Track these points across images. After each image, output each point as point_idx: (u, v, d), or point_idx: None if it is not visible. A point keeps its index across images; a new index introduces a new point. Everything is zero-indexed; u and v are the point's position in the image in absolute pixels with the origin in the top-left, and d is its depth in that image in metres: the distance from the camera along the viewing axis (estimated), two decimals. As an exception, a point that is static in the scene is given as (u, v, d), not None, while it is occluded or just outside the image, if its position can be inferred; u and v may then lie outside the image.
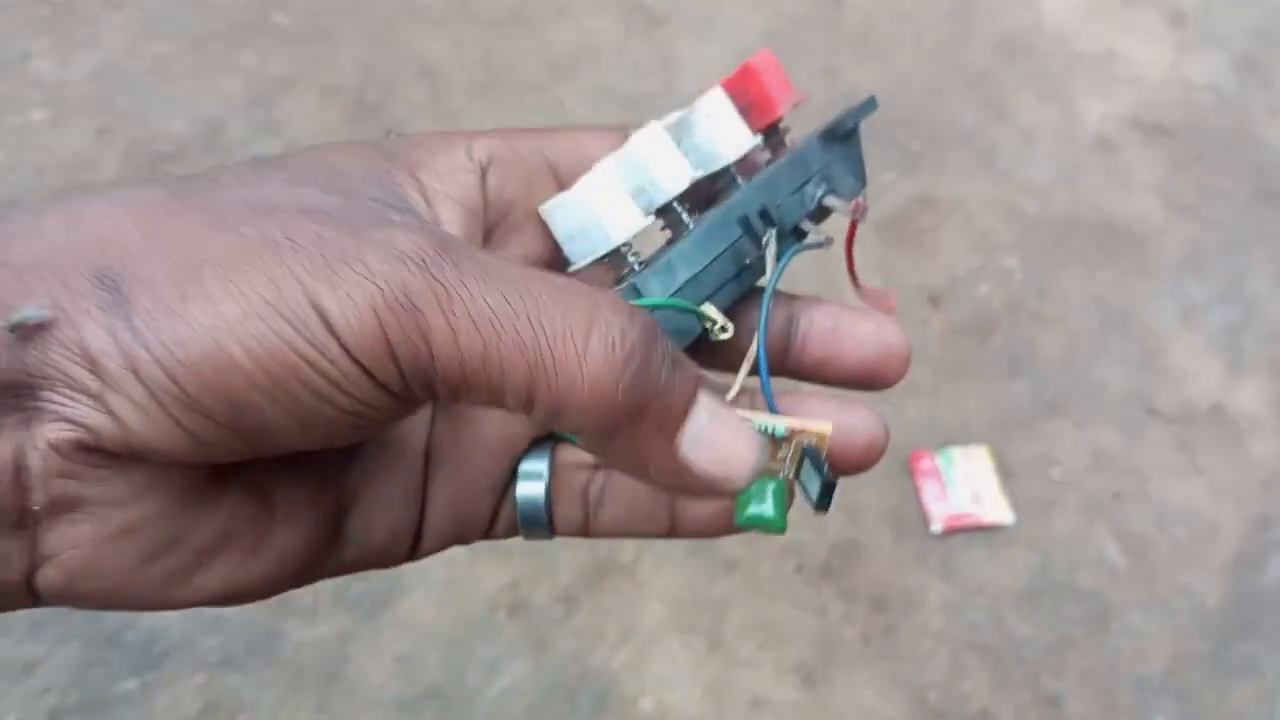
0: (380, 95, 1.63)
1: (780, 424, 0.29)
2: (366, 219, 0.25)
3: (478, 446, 0.31)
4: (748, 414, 0.29)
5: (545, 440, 0.32)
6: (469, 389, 0.23)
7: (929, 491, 1.34)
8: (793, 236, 0.32)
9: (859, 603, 1.27)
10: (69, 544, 0.24)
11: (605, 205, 0.30)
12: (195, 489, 0.25)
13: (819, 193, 0.33)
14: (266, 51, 1.65)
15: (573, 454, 0.32)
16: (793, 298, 0.33)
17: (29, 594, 0.25)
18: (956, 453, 1.37)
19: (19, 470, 0.23)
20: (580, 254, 0.31)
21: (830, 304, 0.33)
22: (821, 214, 0.33)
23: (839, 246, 0.34)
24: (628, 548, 1.24)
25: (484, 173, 0.30)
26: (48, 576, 0.25)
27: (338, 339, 0.23)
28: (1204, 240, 1.65)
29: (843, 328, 0.32)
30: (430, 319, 0.23)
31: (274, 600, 0.97)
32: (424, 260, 0.23)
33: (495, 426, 0.31)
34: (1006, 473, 1.38)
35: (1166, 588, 1.34)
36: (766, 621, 1.24)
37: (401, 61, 1.68)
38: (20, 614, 0.86)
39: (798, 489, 0.29)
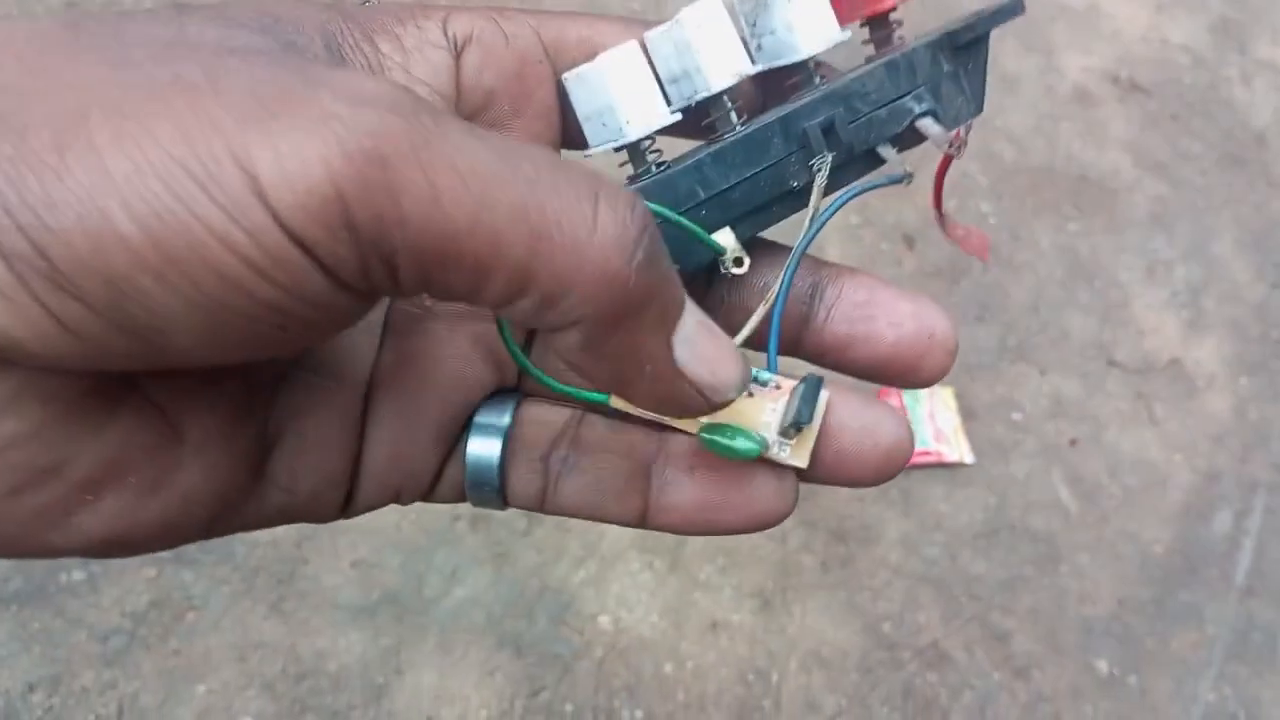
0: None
1: (768, 375, 0.26)
2: (315, 64, 0.20)
3: (428, 385, 0.26)
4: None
5: (507, 393, 0.27)
6: (447, 268, 0.19)
7: (893, 427, 1.34)
8: (865, 162, 0.27)
9: (819, 532, 1.27)
10: None
11: (625, 89, 0.25)
12: (79, 404, 0.21)
13: (919, 109, 0.27)
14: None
15: (538, 413, 0.27)
16: (821, 263, 0.28)
17: None
18: (922, 392, 1.37)
19: None
20: (596, 140, 0.26)
21: (866, 275, 0.28)
22: (910, 139, 0.27)
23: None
24: (593, 465, 1.23)
25: (460, 53, 0.25)
26: None
27: (267, 204, 0.18)
28: (1172, 199, 1.67)
29: (878, 302, 0.27)
30: (405, 173, 0.18)
31: None
32: (396, 106, 0.19)
33: (450, 364, 0.27)
34: (969, 414, 1.39)
35: (1116, 534, 1.36)
36: (727, 546, 1.24)
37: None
38: None
39: (777, 418, 0.26)
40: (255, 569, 1.08)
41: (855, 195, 0.27)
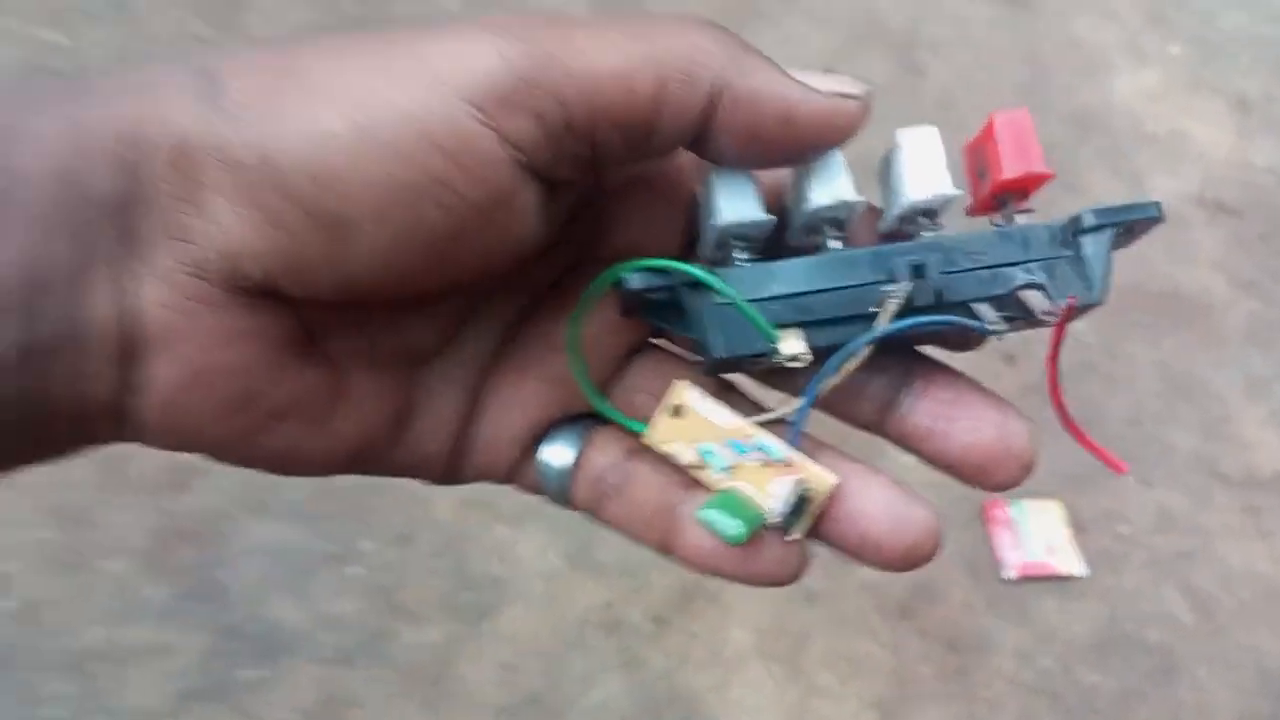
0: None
1: (784, 451, 0.29)
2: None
3: (520, 397, 0.31)
4: (764, 436, 0.29)
5: (585, 418, 0.32)
6: (610, 106, 0.24)
7: (1002, 540, 1.39)
8: (956, 311, 0.28)
9: (934, 642, 1.31)
10: (161, 380, 0.24)
11: (727, 189, 0.28)
12: (280, 350, 0.26)
13: (1024, 279, 0.28)
14: None
15: (603, 441, 0.31)
16: (919, 355, 0.30)
17: (126, 424, 0.25)
18: (1030, 505, 1.42)
19: (125, 294, 0.23)
20: (702, 237, 0.29)
21: (959, 375, 0.30)
22: (1011, 306, 0.28)
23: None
24: (717, 575, 1.30)
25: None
26: (143, 408, 0.25)
27: (447, 85, 0.22)
28: (1267, 316, 1.71)
29: (962, 402, 0.29)
30: (557, 46, 0.23)
31: (385, 604, 1.08)
32: (528, 19, 0.24)
33: (540, 385, 0.31)
34: (1078, 527, 1.43)
35: (1232, 647, 1.38)
36: (846, 655, 1.29)
37: None
38: (155, 601, 0.96)
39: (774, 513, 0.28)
40: (409, 670, 1.16)
41: (929, 326, 0.27)
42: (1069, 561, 1.38)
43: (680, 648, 1.25)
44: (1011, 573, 1.36)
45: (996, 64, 1.95)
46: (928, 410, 0.29)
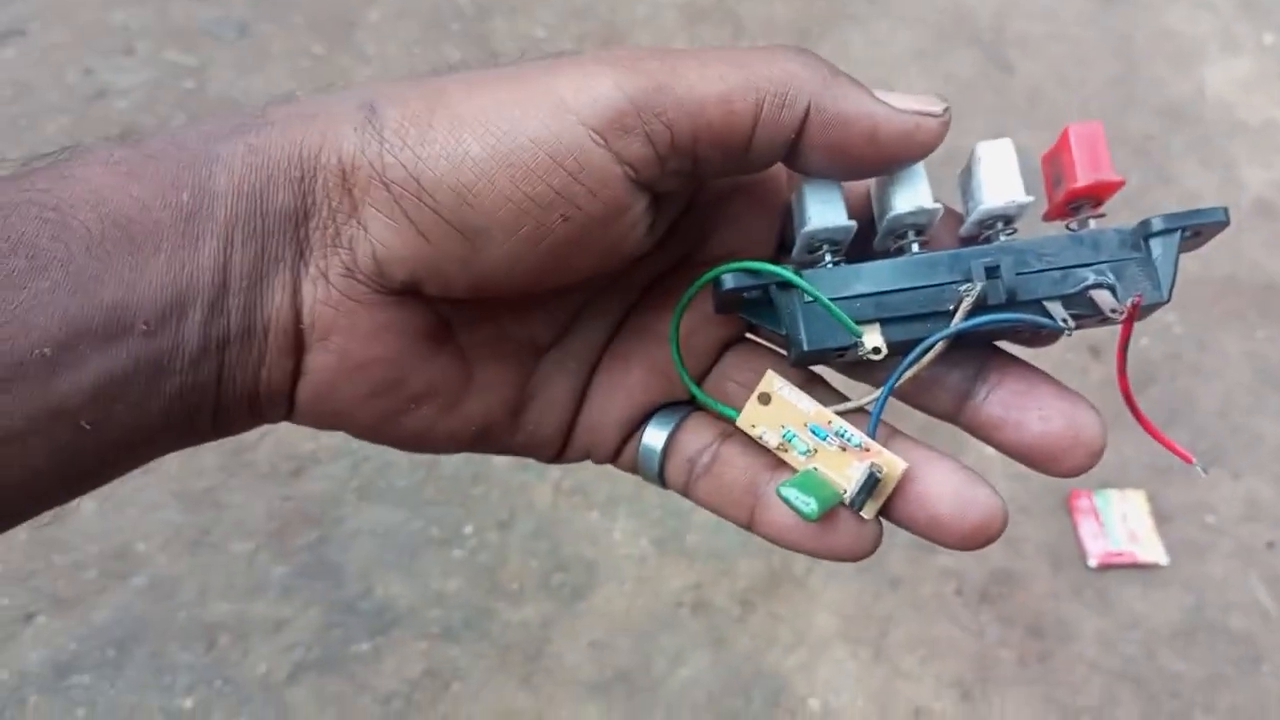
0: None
1: (860, 437, 0.30)
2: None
3: (624, 385, 0.33)
4: (843, 422, 0.30)
5: (680, 405, 0.34)
6: (712, 125, 0.26)
7: (1086, 529, 1.40)
8: (1031, 312, 0.29)
9: (1016, 628, 1.34)
10: (319, 367, 0.27)
11: (816, 198, 0.30)
12: (419, 342, 0.28)
13: (1094, 279, 0.29)
14: None
15: (696, 425, 0.33)
16: (994, 349, 0.32)
17: (288, 405, 0.28)
18: (1114, 494, 1.43)
19: (295, 293, 0.27)
20: (795, 243, 0.31)
21: (1031, 368, 0.31)
22: (1081, 304, 0.29)
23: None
24: (801, 561, 1.34)
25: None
26: (303, 391, 0.28)
27: (572, 112, 0.25)
28: (1364, 306, 1.69)
29: (1034, 394, 0.30)
30: (665, 77, 0.25)
31: (486, 583, 1.16)
32: (634, 50, 0.26)
33: (642, 375, 0.33)
34: (1162, 516, 1.43)
35: (1320, 637, 1.37)
36: (927, 638, 1.32)
37: None
38: (275, 578, 1.06)
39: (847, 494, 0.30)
40: (508, 646, 1.23)
41: (1002, 323, 0.29)
42: (1152, 550, 1.39)
43: (766, 630, 1.30)
44: (1094, 561, 1.38)
45: (1087, 58, 1.96)
46: (1001, 401, 0.30)
